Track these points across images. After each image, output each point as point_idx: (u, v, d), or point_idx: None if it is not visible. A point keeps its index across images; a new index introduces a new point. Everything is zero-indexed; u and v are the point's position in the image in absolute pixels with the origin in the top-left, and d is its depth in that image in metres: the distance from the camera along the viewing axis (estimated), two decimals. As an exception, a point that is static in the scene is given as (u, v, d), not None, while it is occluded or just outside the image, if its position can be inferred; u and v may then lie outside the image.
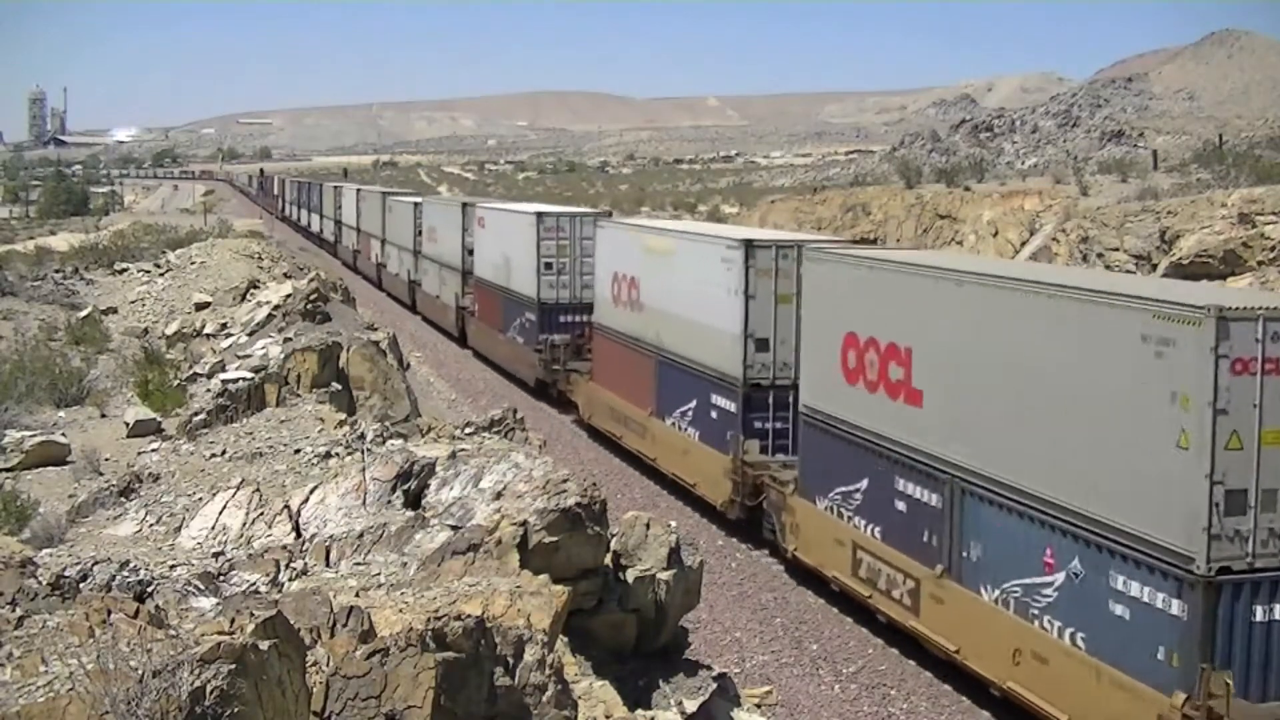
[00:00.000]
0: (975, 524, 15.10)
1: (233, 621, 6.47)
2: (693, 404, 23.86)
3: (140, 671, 5.79)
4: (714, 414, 22.85)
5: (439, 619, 8.16)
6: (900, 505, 16.63)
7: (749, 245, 21.88)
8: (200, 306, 32.31)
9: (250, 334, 25.27)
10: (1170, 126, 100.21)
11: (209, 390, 19.03)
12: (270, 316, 26.43)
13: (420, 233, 50.26)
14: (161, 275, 37.58)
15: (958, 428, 15.42)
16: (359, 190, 72.94)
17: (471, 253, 41.48)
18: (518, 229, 35.44)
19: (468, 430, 15.58)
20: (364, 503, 12.36)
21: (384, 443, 13.94)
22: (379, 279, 61.81)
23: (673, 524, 13.57)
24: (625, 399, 27.44)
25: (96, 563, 10.32)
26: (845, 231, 61.92)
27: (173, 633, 6.51)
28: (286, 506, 12.39)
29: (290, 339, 21.64)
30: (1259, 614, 12.00)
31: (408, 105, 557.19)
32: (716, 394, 22.64)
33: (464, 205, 43.41)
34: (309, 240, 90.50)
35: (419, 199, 56.07)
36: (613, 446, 29.01)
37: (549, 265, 33.57)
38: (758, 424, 21.82)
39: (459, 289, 43.26)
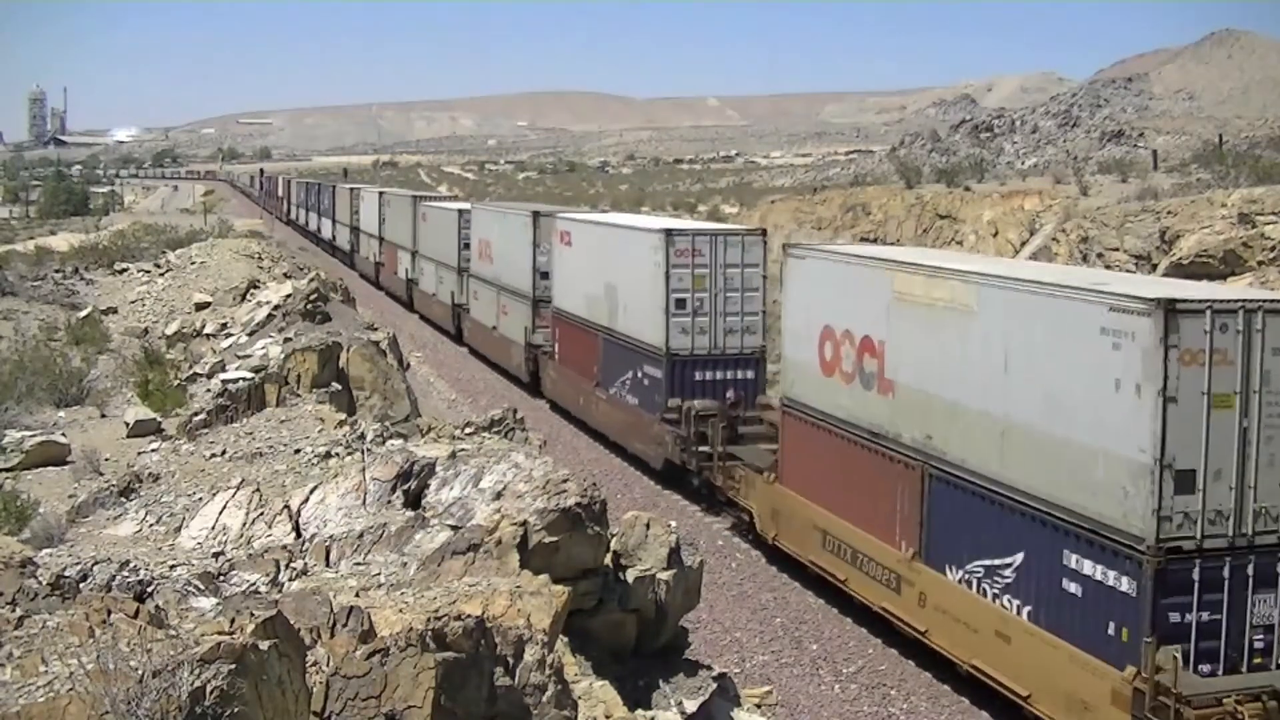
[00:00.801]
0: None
1: (233, 621, 6.47)
2: (1018, 559, 14.68)
3: (140, 671, 5.79)
4: (1075, 587, 13.65)
5: (439, 619, 8.17)
6: None
7: (1171, 309, 12.54)
8: (200, 306, 32.32)
9: (250, 334, 25.28)
10: (1170, 126, 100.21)
11: (209, 390, 19.04)
12: (270, 316, 26.43)
13: (467, 246, 42.85)
14: (161, 275, 37.59)
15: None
16: (382, 194, 64.37)
17: (547, 276, 33.75)
18: (631, 249, 26.81)
19: (468, 430, 15.59)
20: (364, 503, 12.36)
21: (384, 443, 13.94)
22: (409, 297, 54.38)
23: (673, 524, 13.58)
24: (856, 523, 18.44)
25: (96, 563, 10.32)
26: (845, 231, 61.95)
27: (173, 633, 6.51)
28: (286, 506, 12.39)
29: (290, 339, 21.65)
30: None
31: (408, 105, 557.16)
32: (1086, 557, 13.49)
33: (535, 215, 35.14)
34: (322, 249, 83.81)
35: (465, 205, 47.86)
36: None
37: (681, 302, 24.87)
38: (1175, 615, 12.72)
39: (528, 321, 35.14)
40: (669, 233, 25.11)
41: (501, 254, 38.13)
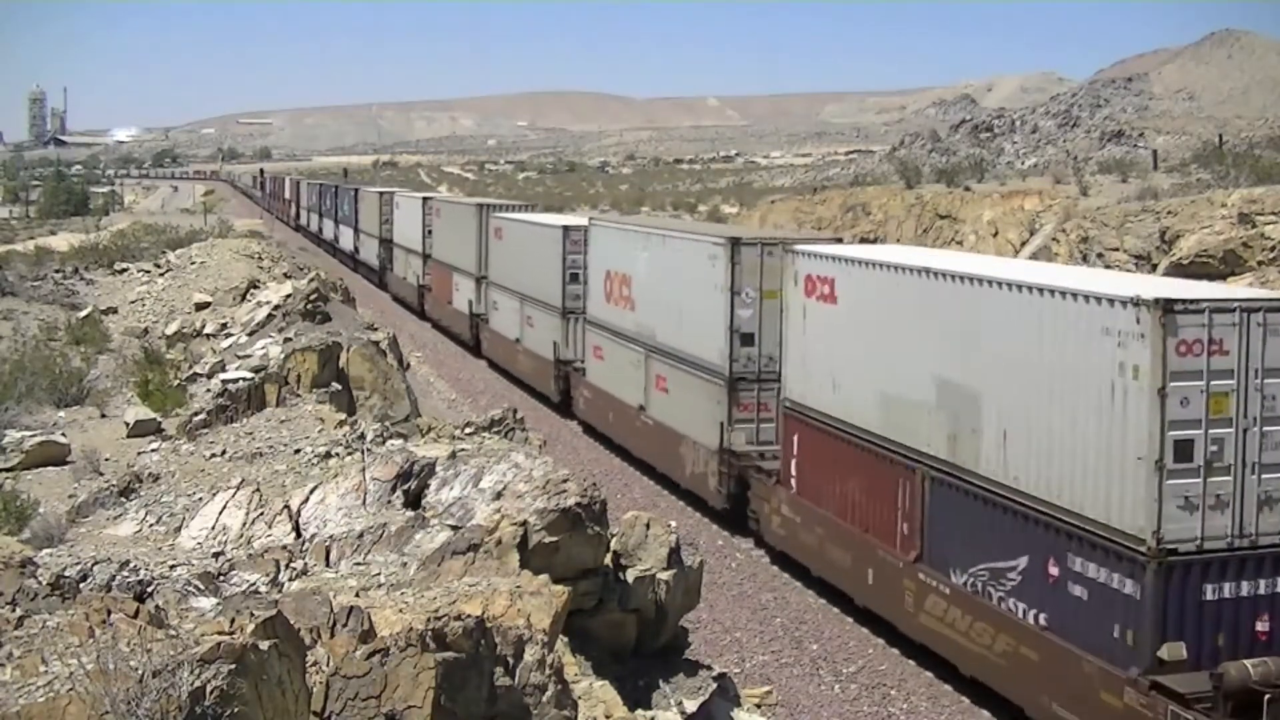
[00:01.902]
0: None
1: (233, 621, 6.47)
2: None
3: (140, 671, 5.79)
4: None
5: (439, 619, 8.17)
6: None
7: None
8: (200, 306, 32.33)
9: (250, 334, 25.28)
10: (1170, 126, 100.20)
11: (209, 390, 19.04)
12: (270, 316, 26.44)
13: (576, 278, 31.54)
14: (161, 275, 37.60)
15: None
16: (429, 200, 52.15)
17: (750, 340, 22.40)
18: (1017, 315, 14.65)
19: (468, 430, 15.59)
20: (364, 503, 12.36)
21: (384, 443, 13.94)
22: (474, 337, 42.20)
23: (673, 524, 13.58)
24: None
25: (96, 563, 10.32)
26: (845, 231, 61.93)
27: (173, 633, 6.51)
28: (286, 506, 12.39)
29: (290, 339, 21.65)
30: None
31: (408, 105, 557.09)
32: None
33: (734, 245, 22.53)
34: (342, 263, 71.76)
35: (572, 221, 35.46)
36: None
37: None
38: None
39: (723, 415, 22.59)
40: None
41: (657, 298, 25.65)
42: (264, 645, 6.34)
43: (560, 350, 32.59)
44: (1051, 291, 13.89)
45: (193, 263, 38.18)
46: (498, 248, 39.32)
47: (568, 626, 10.43)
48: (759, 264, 22.14)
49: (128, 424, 18.09)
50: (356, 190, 73.85)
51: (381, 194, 63.56)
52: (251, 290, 33.53)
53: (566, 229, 32.36)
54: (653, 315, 26.00)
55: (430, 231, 49.32)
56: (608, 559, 12.30)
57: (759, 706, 14.45)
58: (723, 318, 22.39)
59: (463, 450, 13.38)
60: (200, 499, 12.86)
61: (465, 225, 42.50)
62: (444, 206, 49.39)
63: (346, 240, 74.52)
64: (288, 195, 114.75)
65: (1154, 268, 40.51)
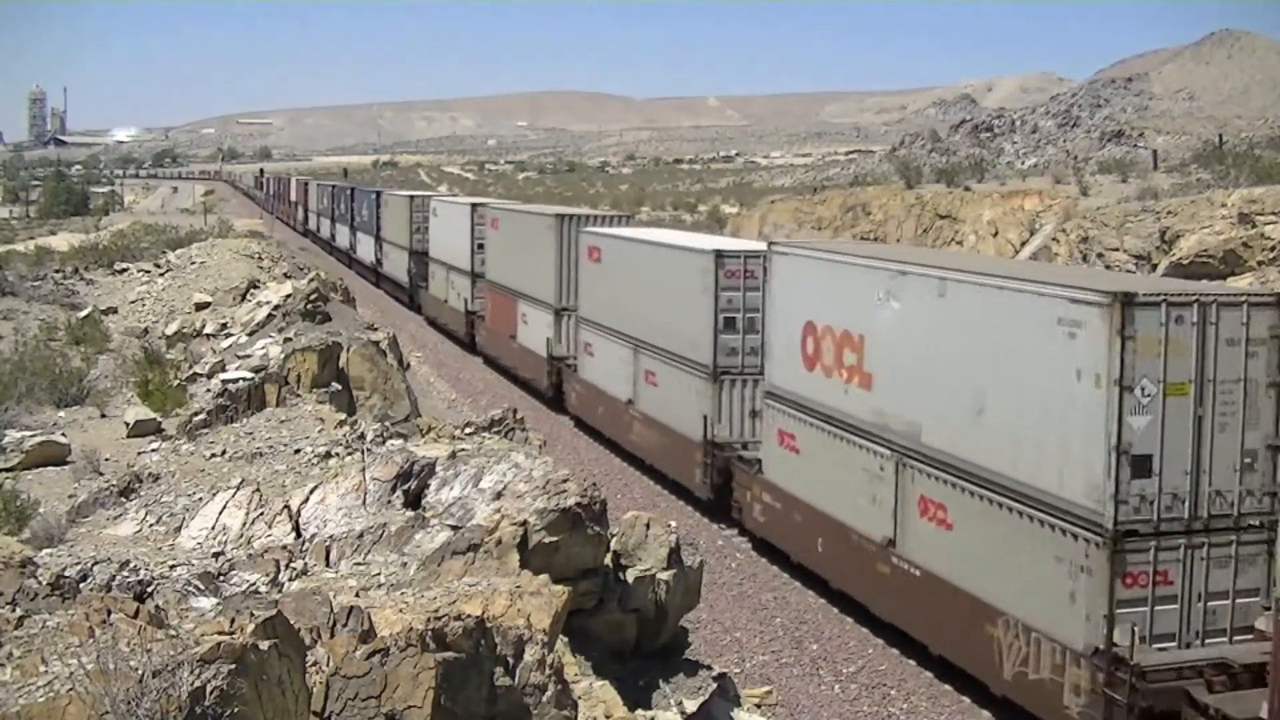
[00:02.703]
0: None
1: (233, 621, 6.47)
2: None
3: (140, 671, 5.79)
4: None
5: (439, 619, 8.17)
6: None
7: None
8: (200, 306, 32.34)
9: (250, 334, 25.29)
10: (1170, 126, 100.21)
11: (209, 390, 19.04)
12: (270, 316, 26.44)
13: (731, 324, 23.24)
14: (161, 275, 37.61)
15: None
16: (479, 208, 42.09)
17: (1146, 468, 13.12)
18: None
19: (468, 430, 15.59)
20: (364, 503, 12.36)
21: (384, 443, 13.94)
22: (556, 382, 32.91)
23: (673, 524, 13.58)
24: None
25: (96, 563, 10.33)
26: (845, 231, 61.96)
27: (173, 633, 6.51)
28: (286, 506, 12.39)
29: (290, 339, 21.65)
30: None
31: (408, 105, 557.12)
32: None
33: (1123, 302, 12.89)
34: (362, 276, 64.83)
35: (727, 244, 26.52)
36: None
37: None
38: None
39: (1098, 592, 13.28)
40: None
41: (924, 376, 16.56)
42: (264, 645, 6.34)
43: (712, 428, 23.18)
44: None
45: (193, 263, 38.18)
46: (593, 274, 29.86)
47: (568, 626, 10.44)
48: (1163, 337, 12.93)
49: (128, 424, 18.09)
50: (379, 194, 63.64)
51: (413, 198, 53.65)
52: (251, 290, 33.54)
53: (720, 255, 23.27)
54: (912, 401, 16.73)
55: (482, 246, 40.43)
56: (608, 559, 12.31)
57: (759, 706, 14.45)
58: (1096, 428, 13.03)
59: (463, 450, 13.38)
60: (200, 499, 12.86)
61: (538, 241, 33.22)
62: (505, 217, 38.56)
63: (366, 250, 65.86)
64: (294, 197, 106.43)
65: (1154, 268, 40.51)
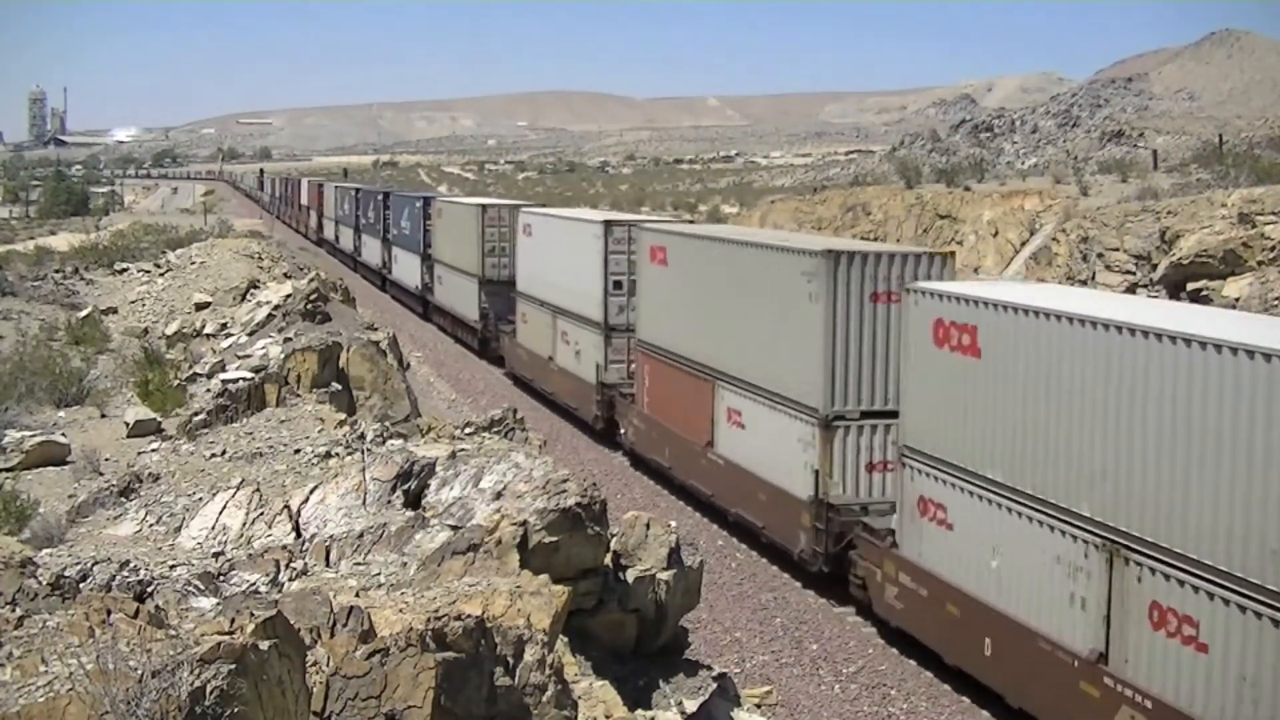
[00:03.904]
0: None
1: (233, 621, 6.47)
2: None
3: (140, 671, 5.79)
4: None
5: (439, 619, 8.17)
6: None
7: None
8: (200, 306, 32.34)
9: (250, 334, 25.29)
10: (1170, 126, 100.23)
11: (209, 390, 19.04)
12: (270, 316, 26.43)
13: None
14: (161, 275, 37.61)
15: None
16: (614, 227, 29.45)
17: None
18: None
19: (468, 430, 15.58)
20: (364, 503, 12.36)
21: (384, 443, 13.94)
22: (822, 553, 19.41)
23: (673, 524, 13.58)
24: None
25: (96, 563, 10.32)
26: (845, 231, 61.96)
27: (173, 633, 6.50)
28: (286, 506, 12.39)
29: (290, 339, 21.65)
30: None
31: (408, 105, 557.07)
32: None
33: None
34: (398, 299, 55.80)
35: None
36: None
37: None
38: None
39: None
40: None
41: None
42: (264, 645, 6.34)
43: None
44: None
45: (193, 263, 38.18)
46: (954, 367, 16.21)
47: (568, 626, 10.43)
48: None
49: (128, 424, 18.10)
50: (426, 200, 51.12)
51: (485, 209, 40.88)
52: (251, 290, 33.54)
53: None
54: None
55: (618, 284, 28.88)
56: (608, 559, 12.30)
57: (759, 706, 14.44)
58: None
59: (463, 450, 13.38)
60: (200, 499, 12.86)
61: (769, 286, 20.65)
62: (677, 244, 25.00)
63: (406, 271, 53.36)
64: (305, 201, 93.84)
65: (1154, 268, 40.51)
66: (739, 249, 22.71)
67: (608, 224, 29.78)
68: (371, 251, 63.48)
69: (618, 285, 28.98)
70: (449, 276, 45.50)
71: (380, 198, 61.64)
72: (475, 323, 41.51)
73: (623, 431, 28.51)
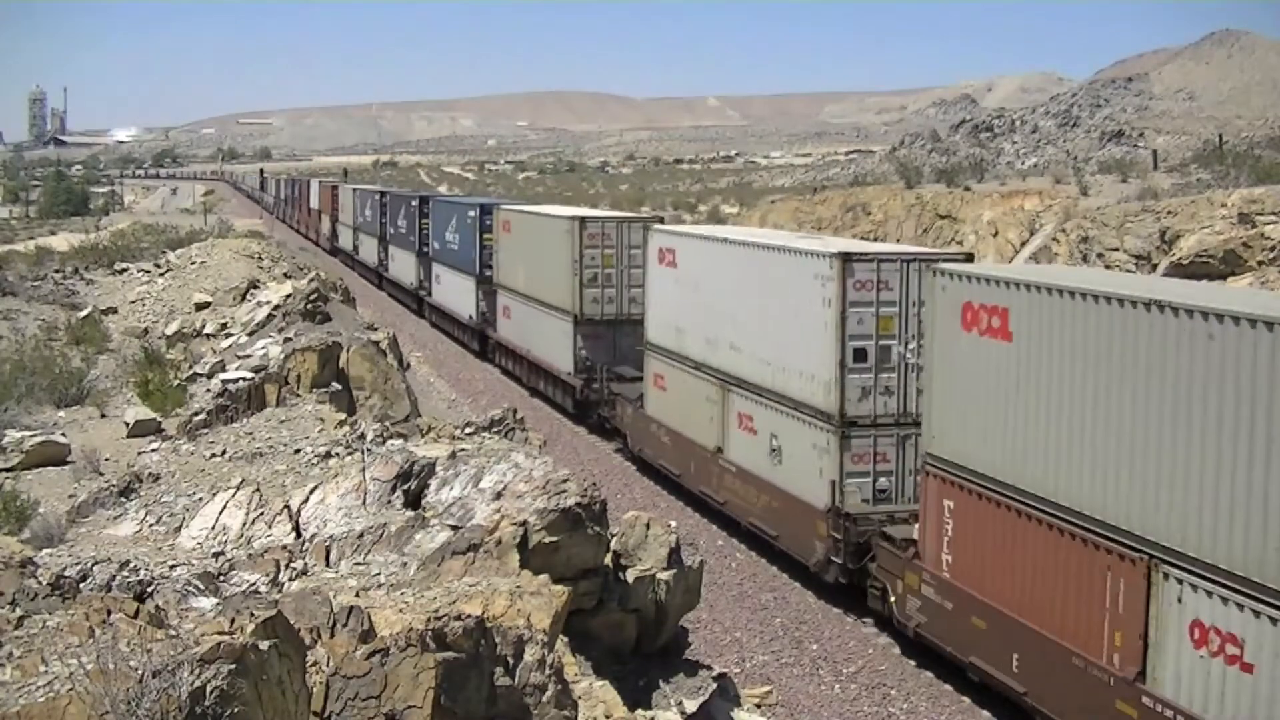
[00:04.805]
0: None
1: (233, 621, 6.47)
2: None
3: (140, 671, 5.79)
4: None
5: (439, 619, 8.17)
6: None
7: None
8: (200, 306, 32.31)
9: (250, 334, 25.28)
10: (1170, 126, 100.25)
11: (209, 390, 19.04)
12: (270, 316, 26.43)
13: None
14: (161, 275, 37.59)
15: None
16: (853, 261, 18.45)
17: None
18: None
19: (468, 430, 15.59)
20: (364, 503, 12.36)
21: (384, 443, 13.94)
22: None
23: (673, 524, 13.59)
24: None
25: (96, 563, 10.33)
26: (845, 231, 61.95)
27: (173, 633, 6.50)
28: (286, 506, 12.39)
29: (290, 339, 21.65)
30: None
31: (408, 105, 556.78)
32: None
33: None
34: (456, 336, 44.96)
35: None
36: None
37: None
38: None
39: None
40: None
41: None
42: (264, 645, 6.34)
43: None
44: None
45: (193, 263, 38.15)
46: None
47: (568, 626, 10.44)
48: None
49: (128, 424, 18.09)
50: (485, 209, 40.99)
51: (583, 223, 30.43)
52: (251, 290, 33.52)
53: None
54: None
55: (861, 354, 18.69)
56: (608, 559, 12.31)
57: (759, 706, 14.45)
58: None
59: (463, 450, 13.38)
60: (200, 499, 12.86)
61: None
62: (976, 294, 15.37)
63: (454, 296, 44.23)
64: (315, 204, 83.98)
65: (1154, 268, 40.52)
66: None
67: (846, 258, 18.46)
68: (402, 267, 54.45)
69: (860, 355, 18.48)
70: (522, 310, 35.29)
71: (415, 203, 51.96)
72: (569, 375, 30.88)
73: (901, 610, 17.13)
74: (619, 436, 28.69)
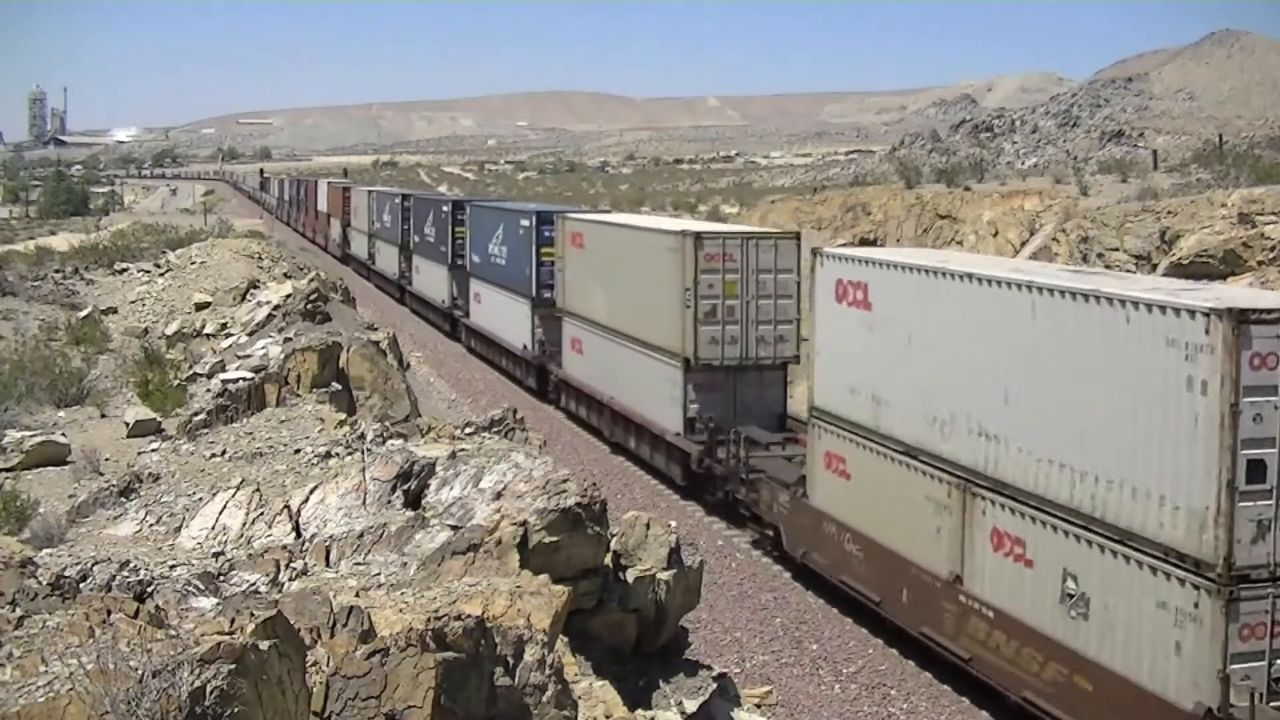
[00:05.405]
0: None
1: (233, 621, 6.47)
2: None
3: (140, 671, 5.79)
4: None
5: (439, 619, 8.17)
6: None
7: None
8: (200, 306, 32.30)
9: (250, 334, 25.28)
10: (1170, 126, 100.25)
11: (209, 390, 19.04)
12: (270, 316, 26.42)
13: None
14: (161, 275, 37.58)
15: None
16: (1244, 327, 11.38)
17: None
18: None
19: (468, 430, 15.59)
20: (364, 503, 12.36)
21: (384, 443, 13.94)
22: None
23: (673, 524, 13.58)
24: None
25: (96, 563, 10.33)
26: (845, 231, 61.96)
27: (173, 633, 6.50)
28: (286, 506, 12.39)
29: (290, 339, 21.65)
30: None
31: (408, 105, 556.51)
32: None
33: None
34: (493, 361, 39.56)
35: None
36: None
37: None
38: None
39: None
40: None
41: None
42: (264, 645, 6.34)
43: None
44: None
45: (193, 263, 38.15)
46: None
47: (568, 626, 10.43)
48: None
49: (128, 424, 18.09)
50: (541, 217, 34.06)
51: (698, 240, 23.63)
52: (251, 290, 33.51)
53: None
54: None
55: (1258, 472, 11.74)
56: (608, 559, 12.31)
57: (759, 706, 14.46)
58: None
59: (463, 450, 13.38)
60: (200, 499, 12.86)
61: None
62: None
63: (501, 320, 37.57)
64: (324, 207, 77.47)
65: (1154, 268, 40.50)
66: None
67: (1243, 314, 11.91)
68: (430, 282, 47.86)
69: (1257, 473, 11.92)
70: (601, 346, 28.62)
71: (447, 209, 44.84)
72: (677, 436, 24.36)
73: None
74: (756, 522, 22.02)
